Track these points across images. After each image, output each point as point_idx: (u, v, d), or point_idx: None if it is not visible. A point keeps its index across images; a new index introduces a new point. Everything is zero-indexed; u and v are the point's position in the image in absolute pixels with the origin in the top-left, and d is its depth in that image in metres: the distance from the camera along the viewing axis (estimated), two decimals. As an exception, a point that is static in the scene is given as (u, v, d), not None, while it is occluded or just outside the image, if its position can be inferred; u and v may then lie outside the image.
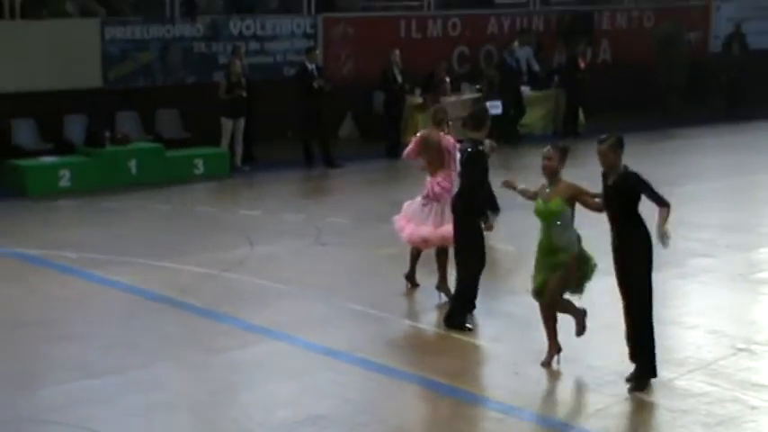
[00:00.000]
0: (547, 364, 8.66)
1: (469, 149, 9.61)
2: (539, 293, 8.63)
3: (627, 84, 23.07)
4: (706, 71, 24.77)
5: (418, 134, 10.90)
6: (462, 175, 9.78)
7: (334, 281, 11.20)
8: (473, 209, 9.61)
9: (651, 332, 8.21)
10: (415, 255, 10.79)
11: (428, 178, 10.50)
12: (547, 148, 8.56)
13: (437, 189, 10.38)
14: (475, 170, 9.60)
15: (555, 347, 8.69)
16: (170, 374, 8.62)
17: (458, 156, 10.02)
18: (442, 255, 10.52)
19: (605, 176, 8.21)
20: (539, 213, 8.55)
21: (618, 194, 8.10)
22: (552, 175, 8.50)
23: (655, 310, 8.23)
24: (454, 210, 9.78)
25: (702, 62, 24.97)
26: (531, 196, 8.74)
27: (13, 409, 7.89)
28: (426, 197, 10.46)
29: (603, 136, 8.21)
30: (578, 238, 8.56)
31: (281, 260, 11.99)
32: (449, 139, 10.51)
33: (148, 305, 10.44)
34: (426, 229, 10.40)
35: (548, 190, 8.55)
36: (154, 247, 12.58)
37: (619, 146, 8.14)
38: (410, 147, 10.73)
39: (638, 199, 8.09)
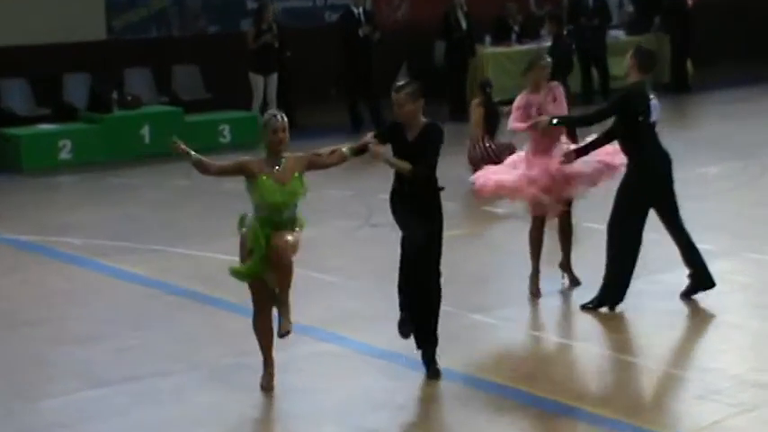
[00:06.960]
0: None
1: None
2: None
3: (746, 26, 22.84)
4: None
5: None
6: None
7: (388, 269, 11.23)
8: None
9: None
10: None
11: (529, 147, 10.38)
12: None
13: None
14: None
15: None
16: (194, 383, 8.72)
17: None
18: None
19: (402, 131, 8.37)
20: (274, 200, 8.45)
21: (420, 153, 8.28)
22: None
23: None
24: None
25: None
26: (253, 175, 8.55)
27: (13, 424, 8.03)
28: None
29: (401, 83, 8.41)
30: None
31: (325, 245, 12.06)
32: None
33: (167, 300, 10.58)
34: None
35: (277, 168, 8.48)
36: (173, 231, 12.75)
37: (419, 95, 8.30)
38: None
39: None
